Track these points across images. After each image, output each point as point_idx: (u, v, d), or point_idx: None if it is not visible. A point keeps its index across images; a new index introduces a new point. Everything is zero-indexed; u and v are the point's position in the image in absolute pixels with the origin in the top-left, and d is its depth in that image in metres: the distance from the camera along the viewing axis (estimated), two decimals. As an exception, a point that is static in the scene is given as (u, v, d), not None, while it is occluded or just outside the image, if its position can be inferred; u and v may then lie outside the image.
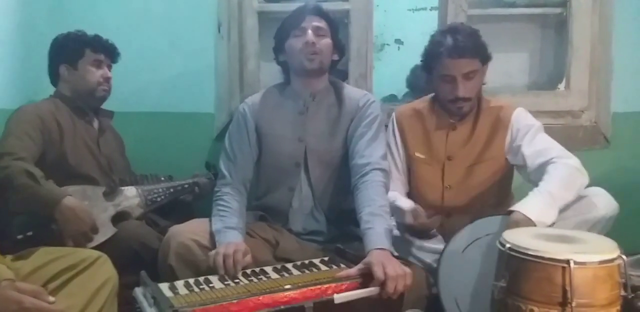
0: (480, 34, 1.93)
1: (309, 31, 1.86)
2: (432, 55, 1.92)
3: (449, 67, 1.88)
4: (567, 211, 1.75)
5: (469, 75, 1.89)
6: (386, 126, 2.03)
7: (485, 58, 1.93)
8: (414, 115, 2.06)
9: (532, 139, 1.90)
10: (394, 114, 2.11)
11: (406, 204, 1.95)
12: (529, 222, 1.64)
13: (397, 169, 2.05)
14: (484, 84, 2.00)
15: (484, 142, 1.97)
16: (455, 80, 1.89)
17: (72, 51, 2.01)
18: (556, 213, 1.69)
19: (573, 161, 1.81)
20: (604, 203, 1.78)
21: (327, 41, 1.89)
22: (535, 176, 1.84)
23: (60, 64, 2.02)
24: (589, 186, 1.82)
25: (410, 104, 2.15)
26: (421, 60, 2.00)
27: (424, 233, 1.95)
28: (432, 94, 2.07)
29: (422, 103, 2.09)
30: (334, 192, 1.91)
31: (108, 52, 2.06)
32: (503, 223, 1.70)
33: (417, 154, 2.03)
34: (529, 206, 1.68)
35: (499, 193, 2.02)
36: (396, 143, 2.06)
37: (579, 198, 1.80)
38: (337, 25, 1.95)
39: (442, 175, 1.99)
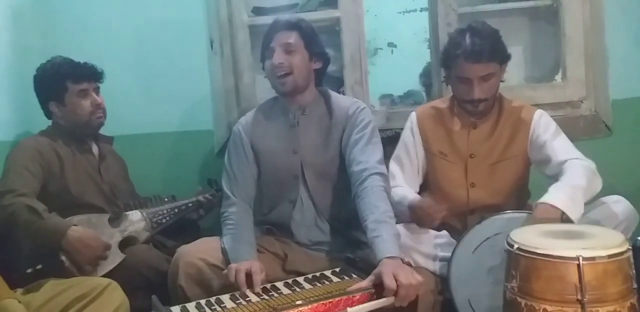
0: (500, 34, 1.93)
1: (276, 51, 1.84)
2: (450, 56, 1.93)
3: (465, 70, 1.89)
4: (585, 217, 1.73)
5: (485, 78, 1.89)
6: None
7: (503, 59, 1.94)
8: (435, 114, 2.07)
9: (556, 136, 1.93)
10: (413, 114, 2.11)
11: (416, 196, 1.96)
12: (556, 212, 1.63)
13: (412, 167, 2.06)
14: (502, 81, 2.00)
15: (506, 140, 1.98)
16: (472, 82, 1.89)
17: (55, 88, 1.97)
18: (582, 206, 1.68)
19: (591, 164, 1.83)
20: (622, 210, 1.78)
21: (298, 57, 1.86)
22: (556, 170, 1.85)
23: (48, 101, 2.00)
24: (609, 193, 1.84)
25: (430, 103, 2.17)
26: (440, 58, 2.00)
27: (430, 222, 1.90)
28: (452, 95, 2.07)
29: (442, 102, 2.10)
30: (335, 202, 1.90)
31: (89, 76, 1.99)
32: (512, 221, 1.69)
33: (439, 152, 2.04)
34: (553, 197, 1.67)
35: (520, 191, 2.03)
36: (414, 142, 2.06)
37: (597, 204, 1.81)
38: (310, 34, 1.90)
39: (466, 173, 2.00)
